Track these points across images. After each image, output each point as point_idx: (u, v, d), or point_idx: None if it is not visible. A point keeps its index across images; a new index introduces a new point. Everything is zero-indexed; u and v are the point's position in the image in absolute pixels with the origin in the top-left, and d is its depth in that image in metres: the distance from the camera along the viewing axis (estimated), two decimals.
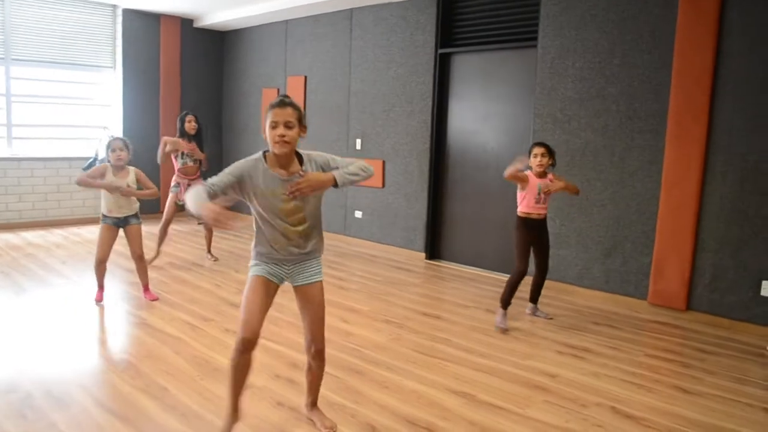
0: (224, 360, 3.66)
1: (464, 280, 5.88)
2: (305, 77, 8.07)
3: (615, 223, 5.16)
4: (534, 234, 4.49)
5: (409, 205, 6.86)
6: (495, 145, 6.14)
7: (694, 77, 4.63)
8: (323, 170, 2.58)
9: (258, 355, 3.72)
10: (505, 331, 4.34)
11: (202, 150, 6.27)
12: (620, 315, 4.87)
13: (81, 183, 4.56)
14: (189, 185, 6.14)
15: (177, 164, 6.21)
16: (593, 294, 5.30)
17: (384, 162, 7.09)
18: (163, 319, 4.44)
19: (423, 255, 6.74)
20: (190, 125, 6.16)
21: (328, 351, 3.84)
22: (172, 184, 6.29)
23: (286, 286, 2.72)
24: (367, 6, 7.13)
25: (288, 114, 2.44)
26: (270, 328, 4.25)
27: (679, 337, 4.39)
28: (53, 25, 8.19)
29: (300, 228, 2.57)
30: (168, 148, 5.99)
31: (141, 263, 4.94)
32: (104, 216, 4.71)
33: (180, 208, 6.16)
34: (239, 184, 2.48)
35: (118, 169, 4.63)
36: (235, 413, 2.69)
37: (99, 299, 4.82)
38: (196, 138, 6.24)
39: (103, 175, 4.60)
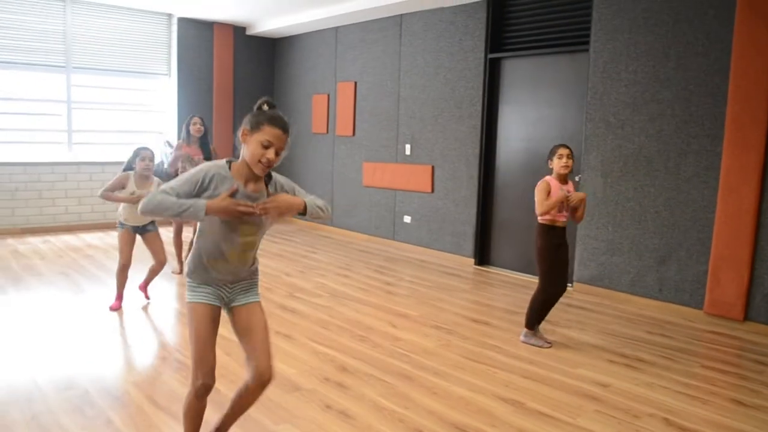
0: (274, 362, 3.72)
1: (514, 286, 5.83)
2: (355, 83, 8.14)
3: (669, 230, 5.05)
4: (558, 243, 4.14)
5: (458, 210, 6.85)
6: (546, 150, 6.05)
7: (753, 80, 4.50)
8: (292, 194, 2.40)
9: (307, 358, 3.78)
10: (550, 345, 4.17)
11: (207, 152, 6.12)
12: (674, 324, 4.76)
13: (104, 197, 4.58)
14: None
15: (180, 167, 6.05)
16: (647, 302, 5.19)
17: (433, 167, 7.09)
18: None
19: (472, 261, 6.71)
20: (195, 128, 6.09)
21: (377, 355, 3.89)
22: None
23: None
24: (417, 12, 7.16)
25: (284, 140, 2.25)
26: (321, 333, 4.31)
27: (736, 348, 4.26)
28: (111, 33, 8.48)
29: (247, 252, 2.36)
30: (186, 165, 5.91)
31: (160, 268, 4.95)
32: (121, 223, 4.73)
33: None
34: (199, 191, 2.22)
35: (143, 179, 4.65)
36: None
37: (115, 307, 4.75)
38: (202, 140, 6.15)
39: (124, 185, 4.62)
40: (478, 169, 6.61)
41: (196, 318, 2.32)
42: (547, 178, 4.15)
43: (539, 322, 4.26)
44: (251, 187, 2.28)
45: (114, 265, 6.16)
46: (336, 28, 8.40)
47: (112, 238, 7.78)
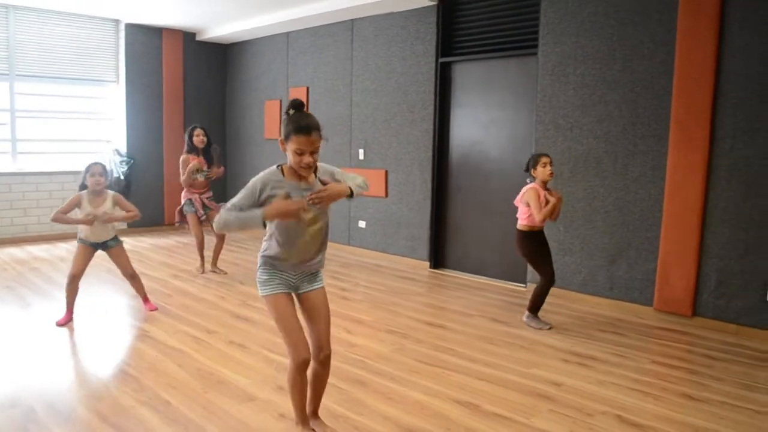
0: (228, 372, 3.65)
1: (468, 288, 5.85)
2: (307, 88, 8.09)
3: (619, 229, 5.13)
4: (540, 243, 4.57)
5: (413, 214, 6.85)
6: (497, 152, 6.13)
7: (696, 81, 4.61)
8: (333, 178, 2.66)
9: (261, 368, 3.71)
10: (551, 327, 4.54)
11: (211, 162, 6.22)
12: (626, 322, 4.83)
13: (56, 221, 4.40)
14: (202, 200, 6.14)
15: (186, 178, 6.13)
16: (598, 301, 5.27)
17: (387, 171, 7.08)
18: (166, 332, 4.43)
19: (427, 264, 6.72)
20: (198, 139, 6.12)
21: (331, 362, 3.83)
22: (184, 201, 6.21)
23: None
24: (368, 16, 7.15)
25: (315, 141, 2.46)
26: (274, 341, 4.24)
27: (686, 344, 4.35)
28: (57, 40, 8.25)
29: (318, 238, 2.64)
30: (198, 176, 6.08)
31: (135, 281, 4.86)
32: (80, 239, 4.57)
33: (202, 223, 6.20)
34: (260, 199, 2.50)
35: (96, 194, 4.50)
36: (305, 421, 2.81)
37: (63, 322, 4.54)
38: (205, 151, 6.20)
39: (78, 204, 4.47)
40: (431, 173, 6.63)
41: (278, 308, 2.61)
42: (532, 185, 4.44)
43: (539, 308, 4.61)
44: (304, 182, 2.56)
45: (62, 278, 5.99)
46: (287, 34, 8.34)
47: (60, 249, 7.55)
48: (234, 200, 2.51)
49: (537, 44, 5.61)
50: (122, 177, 8.56)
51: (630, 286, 5.09)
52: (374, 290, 5.75)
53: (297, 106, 2.51)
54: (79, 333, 4.42)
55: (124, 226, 8.78)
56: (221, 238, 6.36)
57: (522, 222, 4.54)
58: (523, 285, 5.80)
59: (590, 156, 5.28)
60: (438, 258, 6.73)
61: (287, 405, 3.19)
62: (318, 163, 2.59)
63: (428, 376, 3.64)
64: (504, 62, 6.04)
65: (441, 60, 6.47)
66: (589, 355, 4.03)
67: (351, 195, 2.59)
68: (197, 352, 4.02)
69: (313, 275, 2.72)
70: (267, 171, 2.56)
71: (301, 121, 2.45)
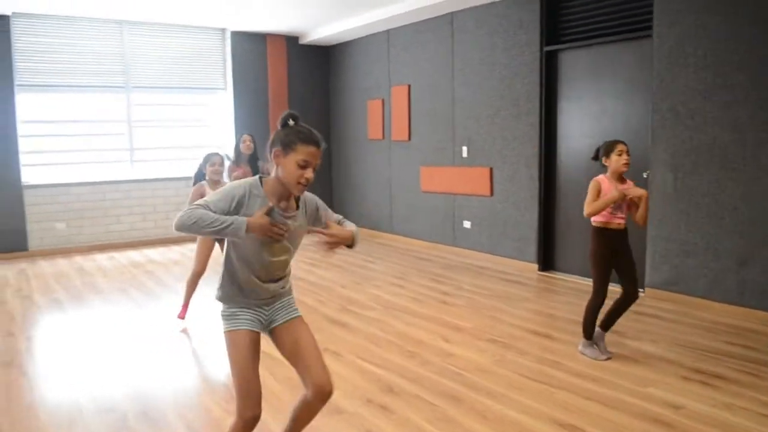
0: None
1: (579, 293, 5.45)
2: (409, 86, 7.92)
3: (750, 227, 4.57)
4: (614, 248, 3.80)
5: (520, 213, 6.51)
6: None
7: None
8: (316, 212, 2.35)
9: (353, 378, 3.57)
10: (610, 357, 3.84)
11: (256, 170, 5.92)
12: (759, 333, 4.28)
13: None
14: None
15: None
16: (726, 309, 4.72)
17: (491, 169, 6.78)
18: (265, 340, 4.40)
19: (535, 266, 6.36)
20: (245, 145, 6.04)
21: (426, 374, 3.66)
22: None
23: None
24: (468, 8, 6.87)
25: (319, 155, 2.19)
26: (369, 349, 4.10)
27: None
28: (167, 51, 8.60)
29: (281, 271, 2.30)
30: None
31: None
32: None
33: None
34: (235, 208, 2.14)
35: (215, 183, 4.70)
36: None
37: (182, 316, 4.76)
38: (252, 158, 6.05)
39: (203, 195, 4.58)
40: (538, 170, 6.26)
41: (236, 347, 2.23)
42: (599, 177, 3.85)
43: (593, 331, 3.92)
44: (283, 205, 2.23)
45: (170, 281, 6.20)
46: (387, 31, 8.21)
47: (173, 252, 7.85)
48: (207, 199, 2.13)
49: (651, 25, 5.12)
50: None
51: (765, 291, 4.52)
52: (477, 294, 5.49)
53: (296, 117, 2.24)
54: (183, 338, 4.49)
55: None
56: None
57: (594, 218, 3.90)
58: (641, 289, 5.30)
59: (715, 146, 4.74)
60: (547, 260, 6.34)
61: (377, 419, 3.05)
62: (306, 194, 2.31)
63: (530, 393, 3.36)
64: (615, 47, 5.57)
65: (546, 49, 6.08)
66: (715, 373, 3.58)
67: (352, 245, 2.29)
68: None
69: (286, 304, 2.37)
70: (247, 181, 2.22)
71: (307, 131, 2.18)
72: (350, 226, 2.37)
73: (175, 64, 8.67)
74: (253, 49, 9.04)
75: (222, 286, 2.30)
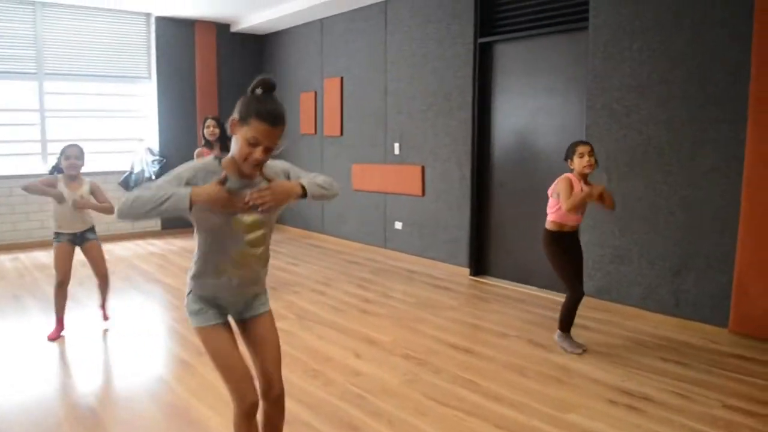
0: (203, 409, 3.08)
1: (510, 301, 5.10)
2: (341, 78, 7.49)
3: (686, 233, 4.29)
4: (569, 248, 3.89)
5: (452, 214, 6.15)
6: (545, 144, 5.34)
7: None
8: (287, 177, 2.15)
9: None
10: (584, 351, 3.84)
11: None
12: (693, 347, 3.98)
13: (27, 188, 4.07)
14: None
15: None
16: (661, 319, 4.43)
17: (423, 167, 6.40)
18: (152, 357, 3.92)
19: (467, 271, 6.00)
20: (209, 131, 5.61)
21: (325, 397, 3.23)
22: None
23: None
24: None
25: (276, 135, 1.95)
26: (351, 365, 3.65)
27: None
28: (86, 36, 7.97)
29: (259, 250, 2.10)
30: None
31: (104, 282, 4.45)
32: (57, 234, 4.18)
33: None
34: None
35: (71, 179, 4.14)
36: None
37: (53, 337, 4.16)
38: (220, 143, 5.60)
39: (54, 186, 4.11)
40: (470, 168, 5.90)
41: (213, 343, 2.11)
42: (569, 174, 3.77)
43: (571, 324, 3.93)
44: (246, 179, 2.02)
45: (75, 285, 5.62)
46: (321, 21, 7.76)
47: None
48: (153, 183, 1.95)
49: (588, 16, 4.81)
50: (154, 177, 8.21)
51: (699, 302, 4.24)
52: (401, 302, 5.09)
53: (268, 86, 1.97)
54: (71, 348, 3.96)
55: (157, 227, 8.48)
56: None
57: (550, 218, 3.87)
58: None
59: (650, 146, 4.45)
60: (479, 264, 5.99)
61: None
62: (270, 161, 2.09)
63: (436, 420, 2.97)
64: (551, 40, 5.25)
65: (480, 40, 5.72)
66: (643, 395, 3.25)
67: (304, 195, 2.06)
68: (179, 382, 3.48)
69: (256, 298, 2.20)
70: (202, 162, 2.03)
71: (269, 106, 1.93)
72: (308, 178, 2.14)
73: (95, 51, 8.04)
74: (179, 36, 8.47)
75: (193, 277, 2.13)
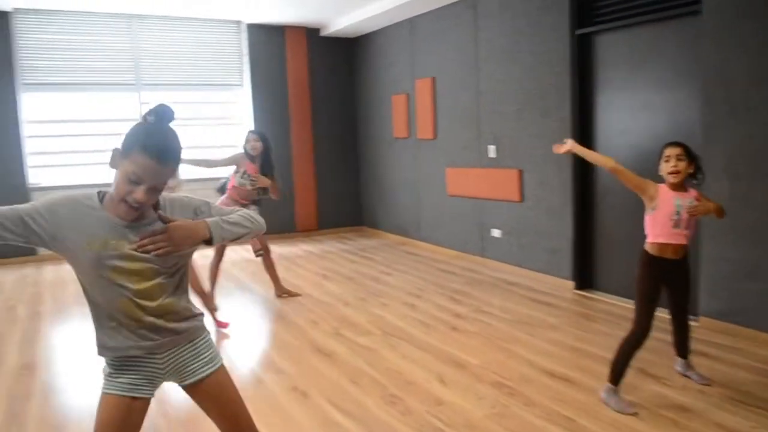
0: None
1: (619, 320, 4.59)
2: (433, 79, 7.19)
3: None
4: (666, 274, 3.20)
5: (552, 222, 5.70)
6: (654, 144, 4.76)
7: None
8: (195, 215, 1.80)
9: (309, 427, 2.90)
10: (634, 413, 3.06)
11: (266, 174, 5.20)
12: None
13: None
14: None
15: (234, 181, 5.21)
16: None
17: (521, 171, 5.98)
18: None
19: (571, 284, 5.53)
20: (250, 145, 5.23)
21: (401, 429, 2.96)
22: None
23: None
24: None
25: (164, 174, 1.66)
26: (346, 390, 3.42)
27: None
28: (180, 47, 8.13)
29: (151, 297, 1.72)
30: (245, 183, 5.17)
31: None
32: None
33: None
34: (53, 236, 1.64)
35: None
36: None
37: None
38: (263, 160, 5.25)
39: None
40: (571, 172, 5.43)
41: (99, 414, 1.74)
42: (661, 185, 3.20)
43: (622, 374, 3.19)
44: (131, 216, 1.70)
45: None
46: (411, 20, 7.49)
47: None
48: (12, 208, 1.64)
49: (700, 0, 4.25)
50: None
51: None
52: (495, 318, 4.73)
53: (162, 114, 1.70)
54: None
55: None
56: (267, 252, 5.38)
57: (647, 240, 3.26)
58: (695, 317, 4.39)
59: None
60: (585, 277, 5.49)
61: None
62: (167, 196, 1.79)
63: None
64: (658, 27, 4.69)
65: (577, 32, 5.25)
66: None
67: (210, 238, 1.73)
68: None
69: (198, 353, 1.83)
70: (77, 196, 1.71)
71: (157, 138, 1.65)
72: (219, 217, 1.79)
73: (189, 60, 8.19)
74: (270, 43, 8.47)
75: (96, 340, 1.77)
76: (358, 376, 3.67)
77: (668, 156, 3.13)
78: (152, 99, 8.05)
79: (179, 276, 1.79)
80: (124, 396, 1.73)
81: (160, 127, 1.68)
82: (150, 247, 1.65)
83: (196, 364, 1.82)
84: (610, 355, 3.81)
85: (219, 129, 8.54)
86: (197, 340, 1.84)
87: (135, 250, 1.66)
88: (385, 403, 3.27)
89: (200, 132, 8.40)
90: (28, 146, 7.52)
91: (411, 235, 7.97)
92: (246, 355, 4.21)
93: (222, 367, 1.87)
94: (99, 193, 1.72)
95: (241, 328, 4.73)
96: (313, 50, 8.72)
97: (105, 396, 1.75)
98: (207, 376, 1.83)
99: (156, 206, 1.74)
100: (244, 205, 5.20)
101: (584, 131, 5.34)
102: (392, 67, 8.02)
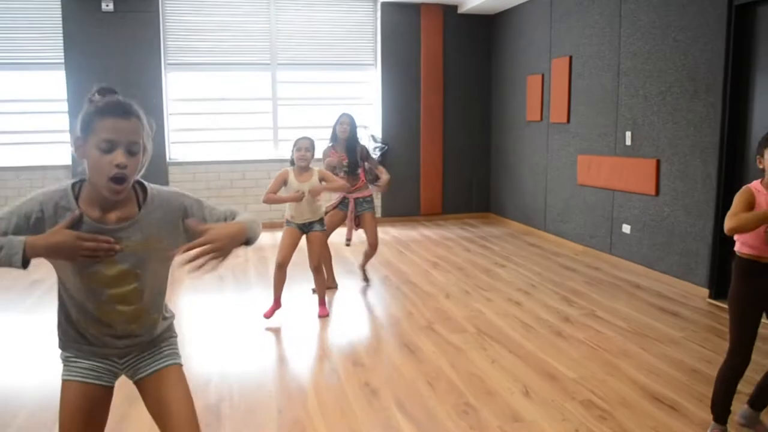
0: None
1: (759, 338, 3.91)
2: (570, 58, 6.60)
3: None
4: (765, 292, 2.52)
5: (691, 221, 5.00)
6: None
7: None
8: (182, 215, 1.65)
9: None
10: None
11: (354, 159, 4.95)
12: None
13: (267, 201, 4.31)
14: (352, 200, 5.03)
15: None
16: None
17: (658, 161, 5.31)
18: (299, 356, 3.65)
19: (705, 292, 4.83)
20: (341, 128, 4.98)
21: None
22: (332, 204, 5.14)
23: None
24: None
25: (134, 129, 1.52)
26: (419, 392, 3.15)
27: None
28: (315, 26, 8.14)
29: (129, 302, 1.62)
30: (339, 172, 4.88)
31: (318, 276, 4.55)
32: (287, 221, 4.40)
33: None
34: (34, 228, 1.50)
35: (302, 170, 4.29)
36: None
37: (268, 315, 4.36)
38: (348, 144, 4.97)
39: (285, 181, 4.30)
40: (717, 165, 4.71)
41: (63, 403, 1.64)
42: (754, 183, 2.53)
43: (728, 411, 2.64)
44: (114, 216, 1.57)
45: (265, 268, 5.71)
46: None
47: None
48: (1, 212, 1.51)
49: None
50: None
51: None
52: (608, 326, 4.21)
53: (106, 90, 1.54)
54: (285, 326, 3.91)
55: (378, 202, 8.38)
56: (374, 248, 5.21)
57: (738, 244, 2.58)
58: None
59: None
60: (722, 285, 4.76)
61: None
62: (154, 188, 1.65)
63: None
64: None
65: (736, 2, 4.49)
66: None
67: (248, 239, 1.65)
68: (317, 391, 3.14)
69: (153, 350, 1.72)
70: (54, 190, 1.55)
71: (109, 99, 1.53)
72: (240, 218, 1.70)
73: (323, 39, 8.21)
74: (405, 21, 8.25)
75: (58, 327, 1.68)
76: (437, 378, 3.38)
77: None
78: (286, 78, 8.16)
79: (158, 281, 1.70)
80: (87, 383, 1.65)
81: (108, 96, 1.54)
82: (200, 260, 1.53)
83: (149, 360, 1.72)
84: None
85: (350, 108, 8.45)
86: (162, 343, 1.75)
87: (183, 264, 1.53)
88: (456, 413, 2.96)
89: (332, 111, 8.37)
90: (172, 123, 7.92)
91: (537, 226, 7.46)
92: (331, 342, 4.07)
93: (177, 366, 1.74)
94: (74, 187, 1.57)
95: (337, 315, 4.60)
96: (448, 29, 8.37)
97: (67, 383, 1.65)
98: (157, 371, 1.70)
99: (144, 197, 1.62)
100: (357, 194, 5.05)
101: (736, 118, 4.59)
102: (530, 46, 7.49)
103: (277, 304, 4.39)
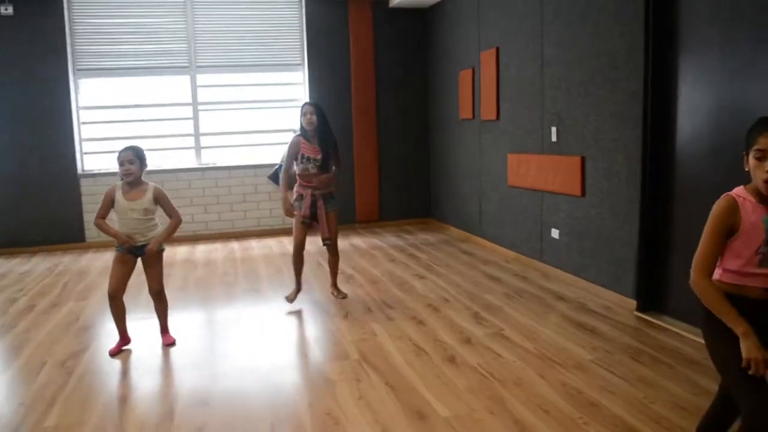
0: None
1: (684, 364, 3.35)
2: (497, 49, 6.09)
3: None
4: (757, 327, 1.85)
5: (617, 224, 4.48)
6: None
7: None
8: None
9: None
10: None
11: (326, 151, 4.57)
12: None
13: (97, 227, 3.75)
14: (314, 195, 4.63)
15: (297, 168, 4.63)
16: None
17: (583, 158, 4.80)
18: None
19: (633, 304, 4.30)
20: (306, 119, 4.54)
21: None
22: (293, 197, 4.77)
23: None
24: None
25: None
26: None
27: None
28: (237, 26, 7.68)
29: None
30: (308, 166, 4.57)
31: (160, 301, 3.90)
32: (117, 244, 3.71)
33: (308, 226, 4.74)
34: None
35: (131, 186, 3.66)
36: None
37: (113, 351, 3.77)
38: (320, 135, 4.57)
39: (112, 199, 3.68)
40: (641, 161, 4.19)
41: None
42: (736, 191, 1.94)
43: None
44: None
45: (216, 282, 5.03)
46: None
47: (223, 250, 6.82)
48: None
49: None
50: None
51: None
52: (512, 349, 3.66)
53: None
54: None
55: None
56: (335, 252, 4.84)
57: (716, 274, 1.98)
58: None
59: None
60: (650, 296, 4.23)
61: None
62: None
63: None
64: None
65: None
66: None
67: None
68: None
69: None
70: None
71: None
72: None
73: (245, 40, 7.70)
74: (331, 17, 7.72)
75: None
76: (285, 420, 2.83)
77: (764, 146, 1.84)
78: (207, 81, 7.62)
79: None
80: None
81: None
82: None
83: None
84: (638, 422, 2.68)
85: (276, 112, 7.92)
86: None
87: None
88: None
89: (256, 115, 7.83)
90: (83, 132, 7.37)
91: (474, 231, 6.94)
92: (174, 377, 3.50)
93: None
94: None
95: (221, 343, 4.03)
96: (379, 24, 7.86)
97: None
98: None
99: None
100: (316, 189, 4.62)
101: (660, 108, 4.07)
102: (461, 39, 6.98)
103: (124, 339, 3.87)
